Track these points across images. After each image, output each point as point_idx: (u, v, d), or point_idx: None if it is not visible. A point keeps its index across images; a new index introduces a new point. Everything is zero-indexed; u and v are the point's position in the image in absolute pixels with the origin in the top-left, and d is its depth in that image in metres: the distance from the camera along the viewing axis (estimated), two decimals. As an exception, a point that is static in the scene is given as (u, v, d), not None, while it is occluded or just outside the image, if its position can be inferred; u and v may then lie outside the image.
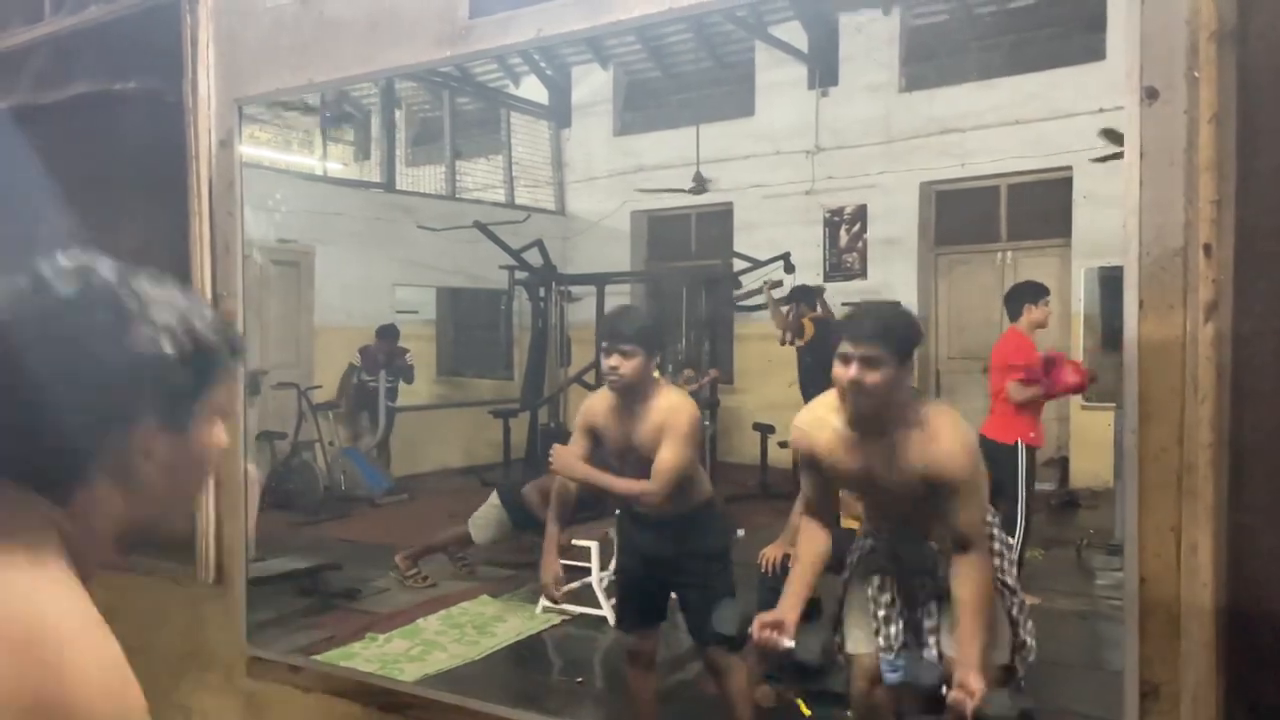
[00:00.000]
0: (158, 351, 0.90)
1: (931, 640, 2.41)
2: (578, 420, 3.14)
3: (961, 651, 2.17)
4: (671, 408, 2.91)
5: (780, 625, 2.31)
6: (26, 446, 0.88)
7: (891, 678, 2.41)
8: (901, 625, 2.42)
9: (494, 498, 5.09)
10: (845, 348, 2.19)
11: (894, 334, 2.21)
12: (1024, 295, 4.72)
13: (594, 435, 3.08)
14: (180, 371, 0.92)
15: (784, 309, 7.17)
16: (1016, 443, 4.42)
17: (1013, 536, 2.59)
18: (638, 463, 2.94)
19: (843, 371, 2.18)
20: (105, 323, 0.89)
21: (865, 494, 2.47)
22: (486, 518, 5.06)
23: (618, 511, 3.30)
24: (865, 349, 2.16)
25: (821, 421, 2.35)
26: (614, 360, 2.90)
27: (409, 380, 8.23)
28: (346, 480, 7.40)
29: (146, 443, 0.92)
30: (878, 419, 2.23)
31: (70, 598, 0.85)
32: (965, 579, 2.20)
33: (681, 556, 2.99)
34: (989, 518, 2.36)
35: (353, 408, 7.96)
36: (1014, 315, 4.69)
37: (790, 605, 2.36)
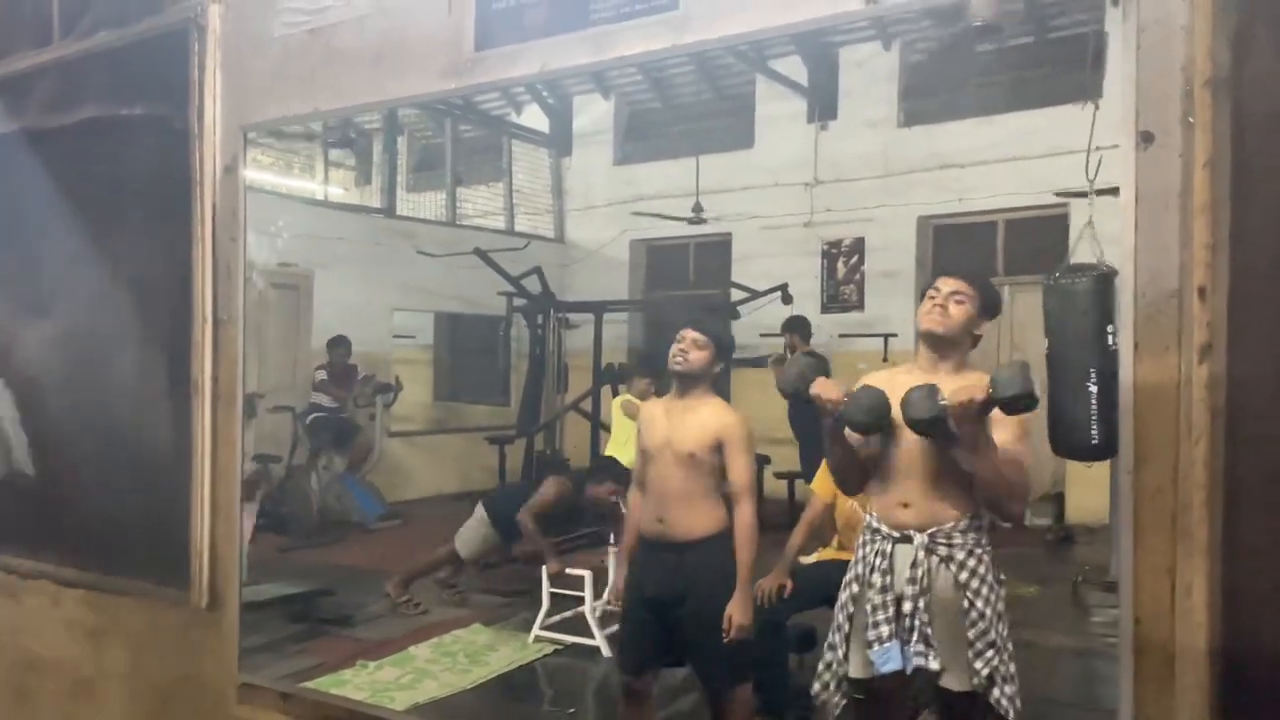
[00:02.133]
0: None
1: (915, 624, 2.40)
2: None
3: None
4: (731, 421, 2.97)
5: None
6: None
7: (886, 667, 2.38)
8: (892, 613, 2.40)
9: (480, 512, 5.04)
10: (936, 283, 2.48)
11: (984, 285, 2.53)
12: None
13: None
14: None
15: (784, 347, 7.17)
16: None
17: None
18: (672, 457, 2.98)
19: (928, 303, 2.47)
20: None
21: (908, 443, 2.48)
22: (474, 533, 5.01)
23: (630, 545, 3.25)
24: (955, 285, 2.46)
25: (890, 375, 2.57)
26: (685, 344, 2.97)
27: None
28: (340, 505, 7.37)
29: None
30: (948, 348, 2.46)
31: None
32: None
33: (696, 584, 2.96)
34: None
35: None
36: None
37: None
